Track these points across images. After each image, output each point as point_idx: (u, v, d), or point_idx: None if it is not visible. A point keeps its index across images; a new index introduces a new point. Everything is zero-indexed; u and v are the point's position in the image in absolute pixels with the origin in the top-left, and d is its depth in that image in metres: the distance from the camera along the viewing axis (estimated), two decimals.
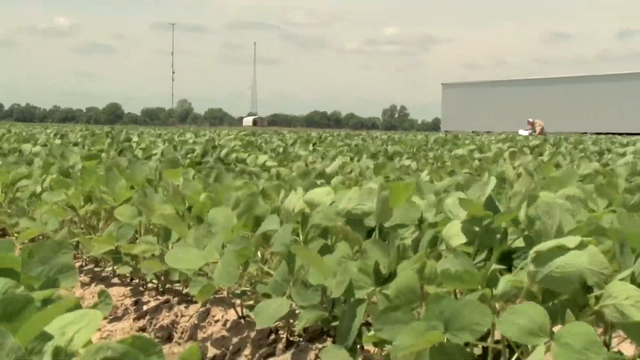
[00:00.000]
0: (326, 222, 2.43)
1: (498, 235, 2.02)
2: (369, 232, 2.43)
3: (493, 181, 2.24)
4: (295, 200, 2.72)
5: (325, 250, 2.37)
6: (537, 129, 29.66)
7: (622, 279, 1.68)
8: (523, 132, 28.53)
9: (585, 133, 33.94)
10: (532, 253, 1.71)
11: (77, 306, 1.42)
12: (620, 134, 30.78)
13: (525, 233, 2.04)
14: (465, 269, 1.78)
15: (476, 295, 1.70)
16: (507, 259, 1.99)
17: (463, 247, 2.03)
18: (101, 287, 3.51)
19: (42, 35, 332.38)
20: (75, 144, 10.20)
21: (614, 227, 2.03)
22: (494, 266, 1.82)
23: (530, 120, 31.07)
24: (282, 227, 2.52)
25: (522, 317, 1.57)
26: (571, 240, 1.69)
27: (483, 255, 2.03)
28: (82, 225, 4.07)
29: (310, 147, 10.30)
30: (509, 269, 1.92)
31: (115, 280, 3.64)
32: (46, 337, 1.24)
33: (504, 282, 1.72)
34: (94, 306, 1.60)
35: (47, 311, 1.24)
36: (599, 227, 2.07)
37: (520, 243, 2.04)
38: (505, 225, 2.07)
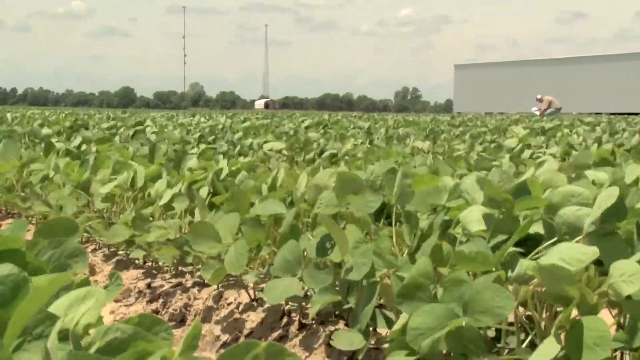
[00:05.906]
0: (328, 211, 2.40)
1: (516, 220, 1.99)
2: (377, 215, 2.40)
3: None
4: (303, 184, 2.71)
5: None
6: (543, 106, 24.84)
7: (637, 261, 1.65)
8: (536, 111, 27.16)
9: (600, 113, 33.63)
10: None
11: (85, 283, 1.38)
12: (636, 114, 30.44)
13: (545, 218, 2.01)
14: (479, 250, 1.76)
15: (491, 277, 1.68)
16: (522, 244, 1.96)
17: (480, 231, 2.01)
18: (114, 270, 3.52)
19: (57, 19, 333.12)
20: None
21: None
22: (511, 249, 1.80)
23: (539, 96, 27.65)
24: (289, 211, 2.51)
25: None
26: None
27: (498, 239, 2.00)
28: (96, 210, 4.07)
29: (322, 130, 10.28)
30: (525, 254, 1.90)
31: (129, 263, 3.65)
32: (51, 318, 1.17)
33: (520, 266, 1.69)
34: (105, 288, 1.58)
35: (45, 285, 1.16)
36: None
37: (538, 228, 2.00)
38: (529, 211, 2.03)
